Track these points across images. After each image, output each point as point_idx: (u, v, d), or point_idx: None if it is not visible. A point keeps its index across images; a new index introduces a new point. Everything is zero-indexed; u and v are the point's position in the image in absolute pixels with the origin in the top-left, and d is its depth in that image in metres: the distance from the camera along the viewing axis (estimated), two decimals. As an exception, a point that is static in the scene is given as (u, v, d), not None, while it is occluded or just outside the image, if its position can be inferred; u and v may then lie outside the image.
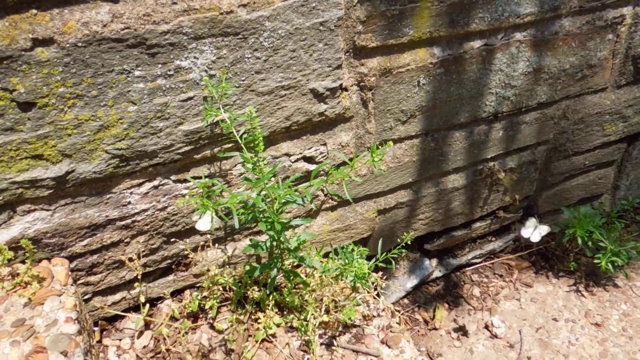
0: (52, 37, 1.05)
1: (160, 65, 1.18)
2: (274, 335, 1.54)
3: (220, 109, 1.29)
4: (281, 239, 1.40)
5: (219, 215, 1.22)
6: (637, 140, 2.34)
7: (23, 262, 1.31)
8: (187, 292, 1.67)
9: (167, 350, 1.47)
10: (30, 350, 1.11)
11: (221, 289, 1.61)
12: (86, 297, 1.48)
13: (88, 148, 1.22)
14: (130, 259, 1.46)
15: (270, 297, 1.59)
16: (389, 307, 1.68)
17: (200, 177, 1.41)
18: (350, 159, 1.31)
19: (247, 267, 1.59)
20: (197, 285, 1.67)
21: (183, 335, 1.49)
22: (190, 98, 1.27)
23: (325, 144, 1.57)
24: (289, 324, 1.57)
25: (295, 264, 1.73)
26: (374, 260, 1.62)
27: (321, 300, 1.58)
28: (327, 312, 1.57)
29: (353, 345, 1.54)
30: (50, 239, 1.31)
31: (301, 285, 1.60)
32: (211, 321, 1.57)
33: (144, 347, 1.50)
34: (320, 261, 1.61)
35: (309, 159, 1.58)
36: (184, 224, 1.49)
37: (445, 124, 1.75)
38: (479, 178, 2.01)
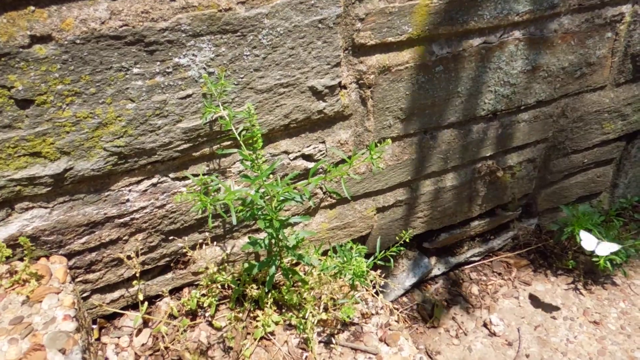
0: (50, 34, 1.04)
1: (158, 63, 1.18)
2: (272, 333, 1.54)
3: (219, 106, 1.29)
4: (280, 236, 1.40)
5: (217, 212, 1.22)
6: (636, 139, 2.34)
7: (21, 259, 1.31)
8: (186, 290, 1.67)
9: (166, 348, 1.47)
10: (28, 348, 1.11)
11: (220, 286, 1.61)
12: (84, 294, 1.48)
13: (86, 145, 1.21)
14: (129, 257, 1.46)
15: (269, 295, 1.59)
16: (388, 305, 1.68)
17: (199, 175, 1.41)
18: (349, 157, 1.31)
19: (246, 265, 1.59)
20: (196, 283, 1.67)
21: (181, 333, 1.49)
22: (188, 95, 1.26)
23: (324, 142, 1.57)
24: (287, 322, 1.58)
25: (294, 261, 1.73)
26: (372, 258, 1.62)
27: (320, 298, 1.58)
28: (326, 310, 1.57)
29: (352, 343, 1.54)
30: (48, 237, 1.31)
31: (300, 283, 1.60)
32: (210, 319, 1.57)
33: (143, 344, 1.50)
34: (319, 259, 1.61)
35: (308, 157, 1.58)
36: (182, 221, 1.49)
37: (444, 122, 1.75)
38: (478, 176, 2.01)
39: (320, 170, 1.63)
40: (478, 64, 1.66)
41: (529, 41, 1.71)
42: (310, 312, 1.52)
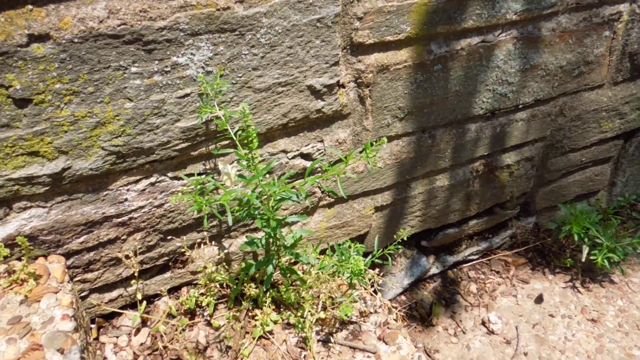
0: (48, 33, 1.04)
1: (157, 62, 1.18)
2: (271, 332, 1.54)
3: (215, 106, 1.29)
4: (277, 235, 1.40)
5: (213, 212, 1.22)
6: (634, 137, 2.35)
7: (19, 259, 1.31)
8: (184, 289, 1.67)
9: (164, 347, 1.47)
10: (26, 347, 1.11)
11: (218, 286, 1.61)
12: (83, 294, 1.48)
13: (84, 145, 1.21)
14: (127, 256, 1.45)
15: (267, 294, 1.59)
16: (386, 304, 1.68)
17: (199, 174, 1.41)
18: (346, 156, 1.31)
19: (244, 264, 1.59)
20: (194, 282, 1.67)
21: (180, 333, 1.49)
22: (187, 95, 1.26)
23: (322, 141, 1.57)
24: (286, 321, 1.58)
25: (292, 260, 1.73)
26: (370, 256, 1.62)
27: (318, 297, 1.59)
28: (324, 308, 1.57)
29: (350, 341, 1.54)
30: (46, 236, 1.31)
31: (298, 282, 1.60)
32: (208, 318, 1.57)
33: (141, 344, 1.50)
34: (317, 258, 1.61)
35: (306, 156, 1.57)
36: (180, 221, 1.49)
37: (442, 120, 1.75)
38: (476, 175, 2.01)
39: (318, 169, 1.63)
40: (476, 62, 1.67)
41: (527, 40, 1.72)
42: (309, 311, 1.52)
